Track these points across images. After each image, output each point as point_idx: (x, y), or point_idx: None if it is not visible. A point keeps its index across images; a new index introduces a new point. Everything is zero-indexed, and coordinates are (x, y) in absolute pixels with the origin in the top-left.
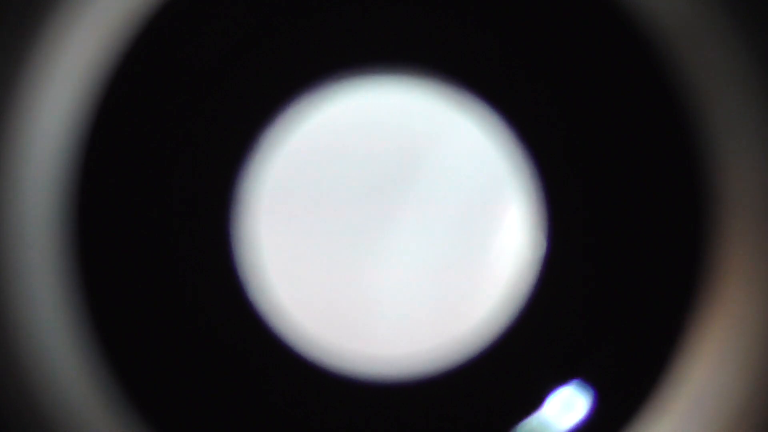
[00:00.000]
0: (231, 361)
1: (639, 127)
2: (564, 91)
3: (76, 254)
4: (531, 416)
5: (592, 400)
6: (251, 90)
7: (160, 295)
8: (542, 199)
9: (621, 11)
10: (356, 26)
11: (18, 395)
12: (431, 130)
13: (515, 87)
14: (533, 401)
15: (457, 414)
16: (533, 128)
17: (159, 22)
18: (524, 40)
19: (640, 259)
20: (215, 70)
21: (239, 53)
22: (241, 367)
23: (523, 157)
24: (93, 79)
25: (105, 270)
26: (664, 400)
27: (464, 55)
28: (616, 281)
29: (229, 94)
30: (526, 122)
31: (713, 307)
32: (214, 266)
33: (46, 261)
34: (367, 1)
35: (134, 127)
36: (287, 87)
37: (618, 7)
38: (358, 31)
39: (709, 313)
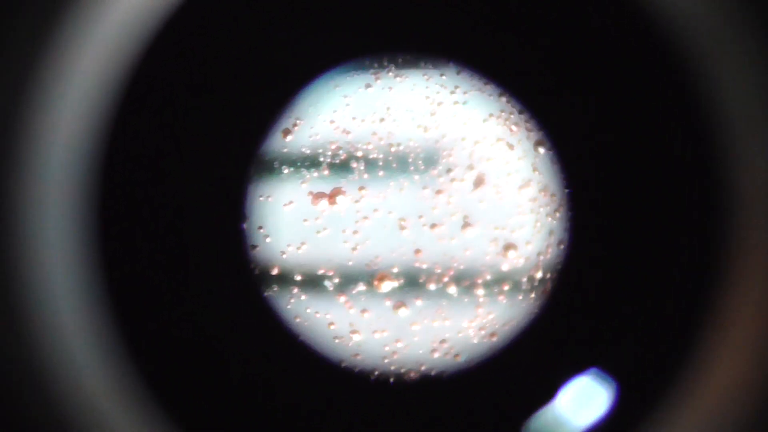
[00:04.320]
0: (248, 358)
1: (657, 123)
2: (580, 92)
3: (95, 251)
4: (547, 409)
5: (610, 393)
6: (262, 82)
7: (178, 292)
8: (561, 191)
9: (637, 7)
10: (373, 15)
11: (36, 389)
12: (448, 122)
13: (529, 81)
14: (549, 394)
15: (475, 405)
16: (552, 123)
17: (174, 18)
18: (538, 33)
19: (660, 250)
20: (229, 59)
21: (251, 45)
22: (257, 363)
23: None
24: (108, 79)
25: (124, 266)
26: (683, 395)
27: (477, 46)
28: (634, 276)
29: (241, 87)
30: (545, 118)
31: (734, 301)
32: (227, 261)
33: (65, 259)
34: None
35: (149, 124)
36: (297, 76)
37: (634, 3)
38: (374, 21)
39: (730, 308)
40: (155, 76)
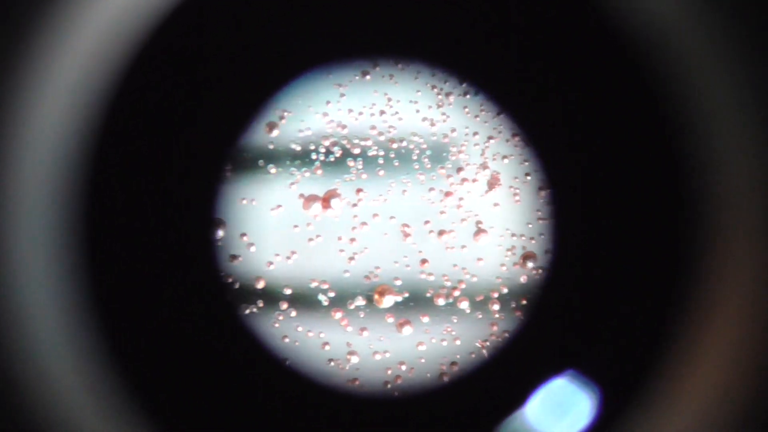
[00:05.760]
0: (226, 366)
1: (629, 129)
2: (554, 98)
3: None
4: (520, 414)
5: (587, 398)
6: (246, 83)
7: (159, 294)
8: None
9: (607, 12)
10: (356, 15)
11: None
12: (458, 114)
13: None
14: (525, 398)
15: (458, 412)
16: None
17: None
18: (512, 33)
19: (637, 255)
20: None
21: (237, 45)
22: (236, 372)
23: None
24: (97, 74)
25: (108, 269)
26: (660, 399)
27: (453, 47)
28: (612, 282)
29: (227, 86)
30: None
31: (711, 305)
32: (205, 267)
33: (46, 260)
34: None
35: (137, 122)
36: (282, 76)
37: (604, 7)
38: (357, 21)
39: (708, 312)
40: (141, 69)
